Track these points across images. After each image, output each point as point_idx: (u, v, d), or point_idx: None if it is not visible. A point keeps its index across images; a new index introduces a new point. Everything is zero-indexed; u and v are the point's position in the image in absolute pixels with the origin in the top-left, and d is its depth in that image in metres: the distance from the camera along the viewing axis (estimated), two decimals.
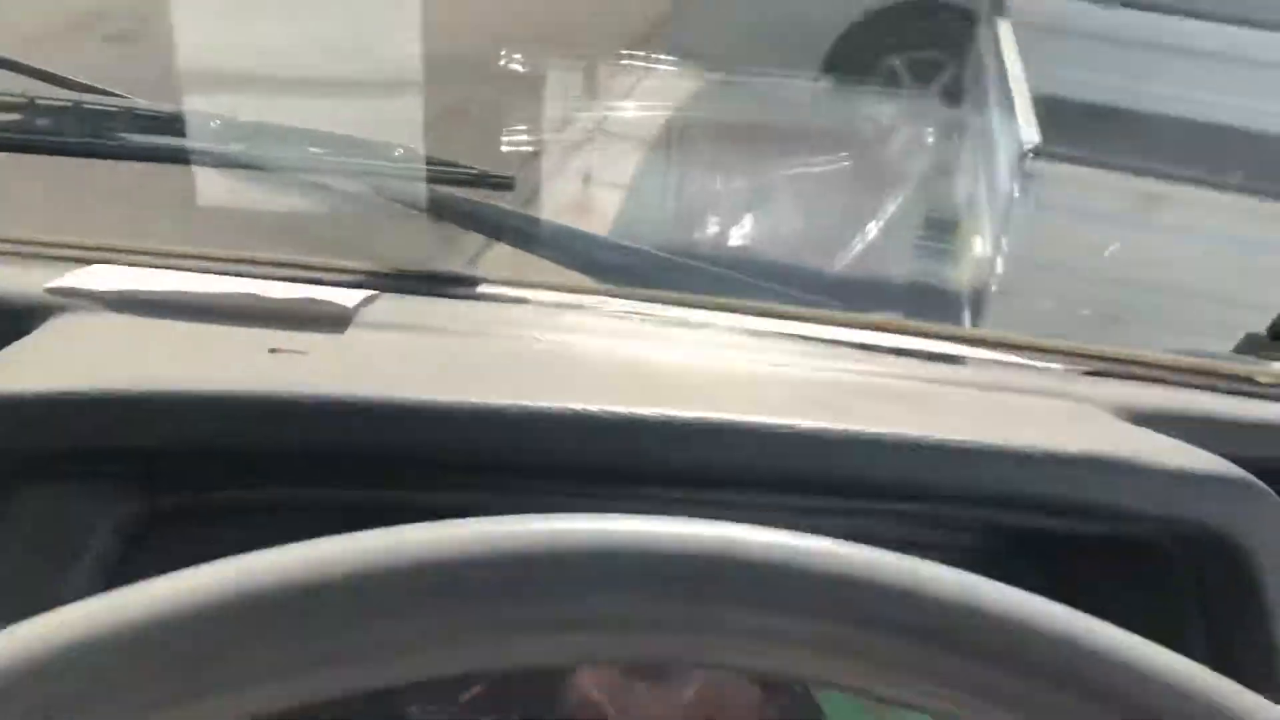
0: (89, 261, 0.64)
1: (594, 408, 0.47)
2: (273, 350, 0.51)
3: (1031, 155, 2.22)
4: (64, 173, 0.75)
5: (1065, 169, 2.33)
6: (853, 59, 3.27)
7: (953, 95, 3.23)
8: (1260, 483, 0.50)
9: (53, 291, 0.58)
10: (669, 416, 0.48)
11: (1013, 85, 2.39)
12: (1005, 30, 2.81)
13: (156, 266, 0.65)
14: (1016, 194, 2.21)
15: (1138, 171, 2.29)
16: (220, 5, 0.83)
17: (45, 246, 0.66)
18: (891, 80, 3.38)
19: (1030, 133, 2.24)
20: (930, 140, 2.64)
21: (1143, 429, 0.57)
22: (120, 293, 0.58)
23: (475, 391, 0.47)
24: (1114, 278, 1.91)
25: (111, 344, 0.51)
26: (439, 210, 0.80)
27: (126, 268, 0.63)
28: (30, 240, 0.66)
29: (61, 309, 0.57)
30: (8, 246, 0.65)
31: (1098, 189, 2.26)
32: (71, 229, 0.70)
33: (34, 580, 0.53)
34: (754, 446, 0.48)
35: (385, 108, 0.82)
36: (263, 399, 0.45)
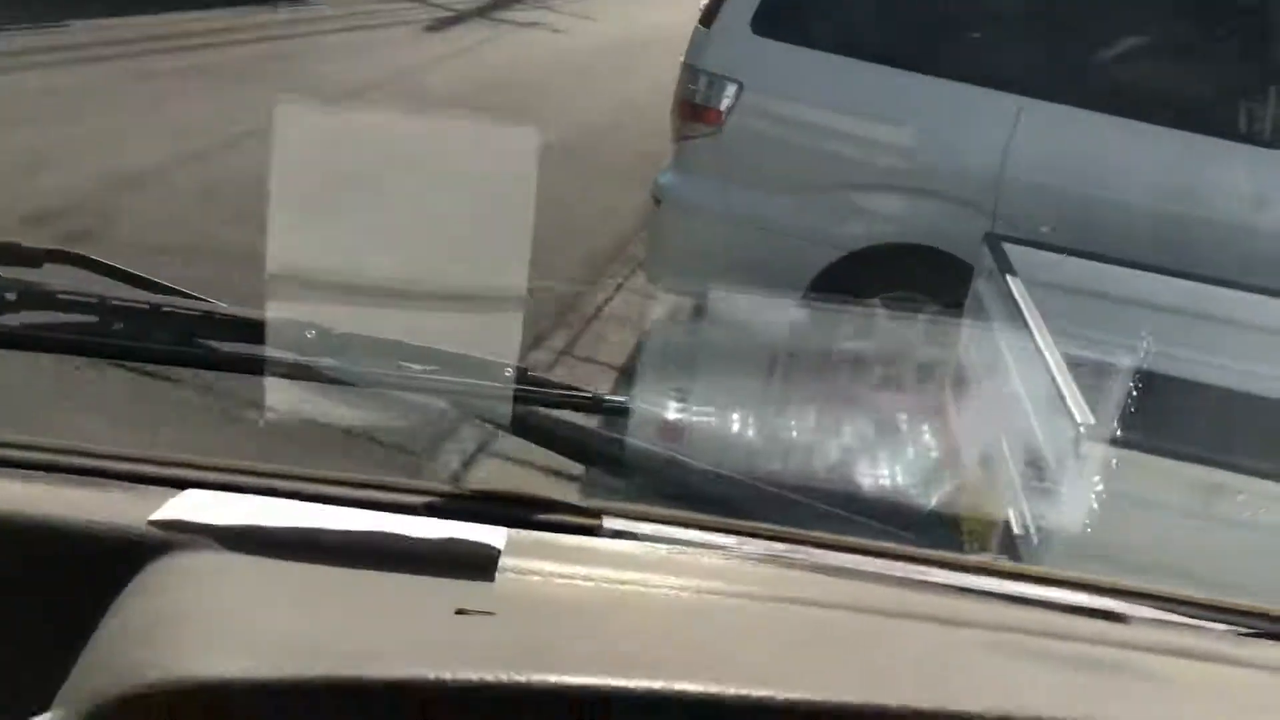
0: (175, 479, 0.57)
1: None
2: (459, 611, 0.43)
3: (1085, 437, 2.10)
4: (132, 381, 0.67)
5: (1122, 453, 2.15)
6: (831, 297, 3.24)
7: (934, 339, 3.24)
8: None
9: (156, 524, 0.50)
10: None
11: (1045, 353, 2.31)
12: (1019, 289, 2.75)
13: (246, 488, 0.57)
14: (1071, 478, 2.10)
15: (1191, 457, 2.13)
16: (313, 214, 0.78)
17: (127, 461, 0.58)
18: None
19: (1084, 412, 2.13)
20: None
21: None
22: (233, 528, 0.50)
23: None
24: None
25: (245, 610, 0.43)
26: (536, 434, 0.74)
27: (224, 493, 0.56)
28: (109, 454, 0.58)
29: (167, 546, 0.49)
30: (88, 462, 0.57)
31: (1152, 473, 2.10)
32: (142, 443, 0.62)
33: None
34: None
35: (485, 318, 0.76)
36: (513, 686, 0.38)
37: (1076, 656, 0.60)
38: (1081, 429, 2.19)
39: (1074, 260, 3.32)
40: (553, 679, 0.43)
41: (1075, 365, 2.49)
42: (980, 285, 3.10)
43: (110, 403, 0.67)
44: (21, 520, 0.48)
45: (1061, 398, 2.37)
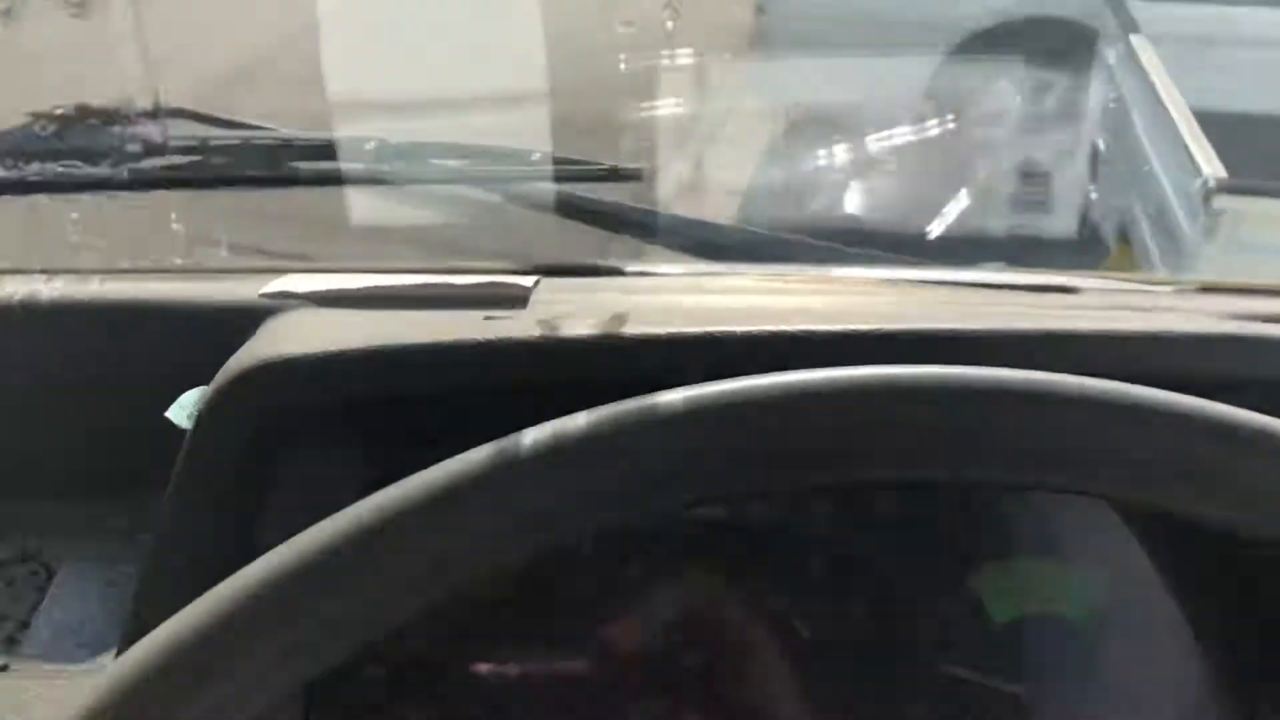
0: (280, 269, 0.72)
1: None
2: (488, 317, 0.58)
3: (1215, 190, 2.10)
4: (236, 204, 0.83)
5: (1251, 203, 2.13)
6: (959, 78, 3.20)
7: (1068, 115, 3.19)
8: None
9: (266, 296, 0.66)
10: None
11: (1173, 110, 2.28)
12: (1144, 46, 2.69)
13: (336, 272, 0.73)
14: (1201, 235, 2.11)
15: None
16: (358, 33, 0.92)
17: (234, 272, 0.74)
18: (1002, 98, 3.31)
19: (1214, 166, 2.11)
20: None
21: (1260, 322, 0.62)
22: (326, 292, 0.66)
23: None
24: None
25: (339, 327, 0.58)
26: (570, 210, 0.87)
27: (320, 274, 0.71)
28: (217, 268, 0.74)
29: (276, 310, 0.64)
30: (210, 266, 0.73)
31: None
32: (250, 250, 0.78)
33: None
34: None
35: (516, 117, 0.90)
36: (524, 342, 0.53)
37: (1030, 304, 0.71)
38: (1210, 182, 2.19)
39: (1200, 7, 3.20)
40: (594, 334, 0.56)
41: (1205, 118, 2.46)
42: (1105, 48, 3.04)
43: (220, 227, 0.83)
44: (151, 306, 0.64)
45: (1189, 152, 2.36)
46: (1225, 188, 2.12)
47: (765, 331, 0.58)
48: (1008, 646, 0.65)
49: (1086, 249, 2.89)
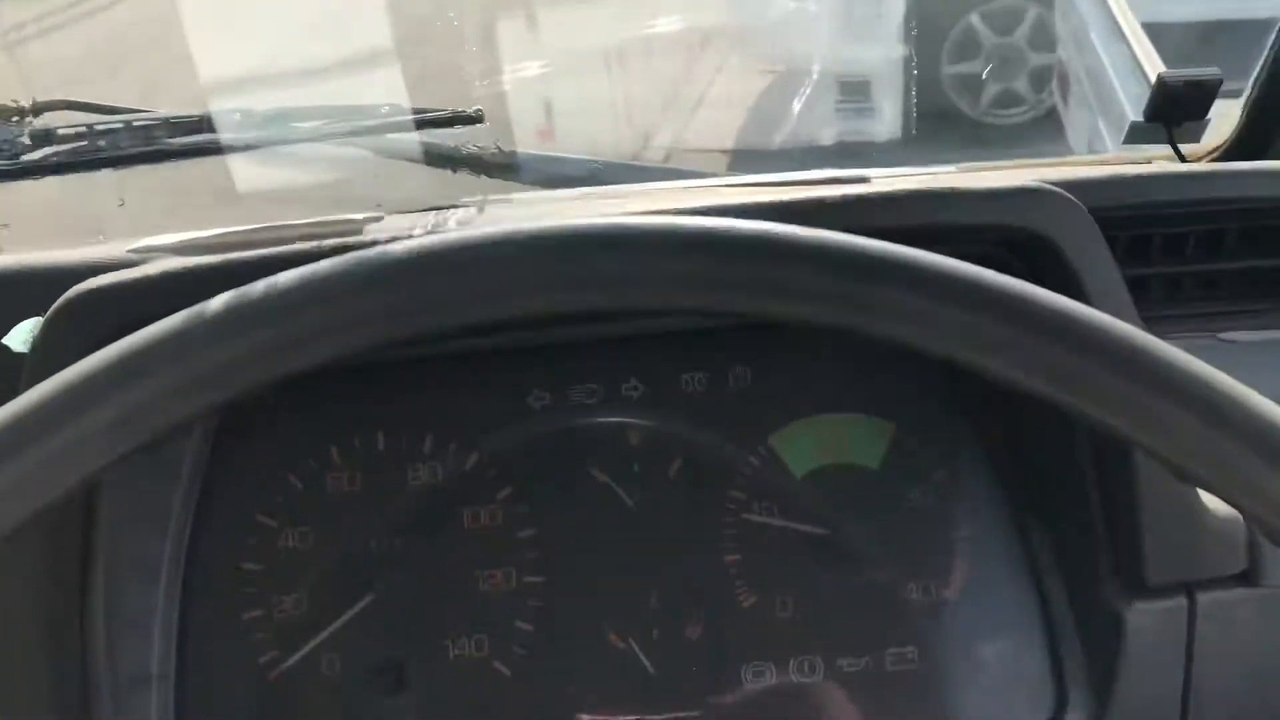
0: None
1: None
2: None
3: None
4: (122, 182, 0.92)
5: None
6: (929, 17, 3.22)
7: (1039, 44, 3.23)
8: (1068, 194, 0.63)
9: (134, 251, 0.75)
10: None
11: (1121, 21, 2.34)
12: None
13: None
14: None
15: None
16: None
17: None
18: (970, 36, 3.35)
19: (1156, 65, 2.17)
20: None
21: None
22: (181, 243, 0.75)
23: None
24: None
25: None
26: (426, 155, 0.96)
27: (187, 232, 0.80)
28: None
29: (142, 262, 0.73)
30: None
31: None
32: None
33: (162, 450, 0.70)
34: None
35: (367, 74, 0.98)
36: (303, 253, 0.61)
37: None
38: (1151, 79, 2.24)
39: None
40: None
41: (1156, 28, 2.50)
42: None
43: (106, 203, 0.92)
44: (36, 271, 0.73)
45: (1135, 58, 2.41)
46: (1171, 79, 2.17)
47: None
48: (809, 495, 0.74)
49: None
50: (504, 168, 0.96)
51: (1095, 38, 2.67)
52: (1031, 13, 3.50)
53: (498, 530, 0.73)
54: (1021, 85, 3.56)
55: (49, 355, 0.60)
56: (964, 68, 3.53)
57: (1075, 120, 3.01)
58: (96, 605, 0.62)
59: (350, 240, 0.67)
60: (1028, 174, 0.80)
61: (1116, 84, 2.59)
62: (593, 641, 0.71)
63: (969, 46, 3.54)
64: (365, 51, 0.96)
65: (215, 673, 0.69)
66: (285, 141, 0.92)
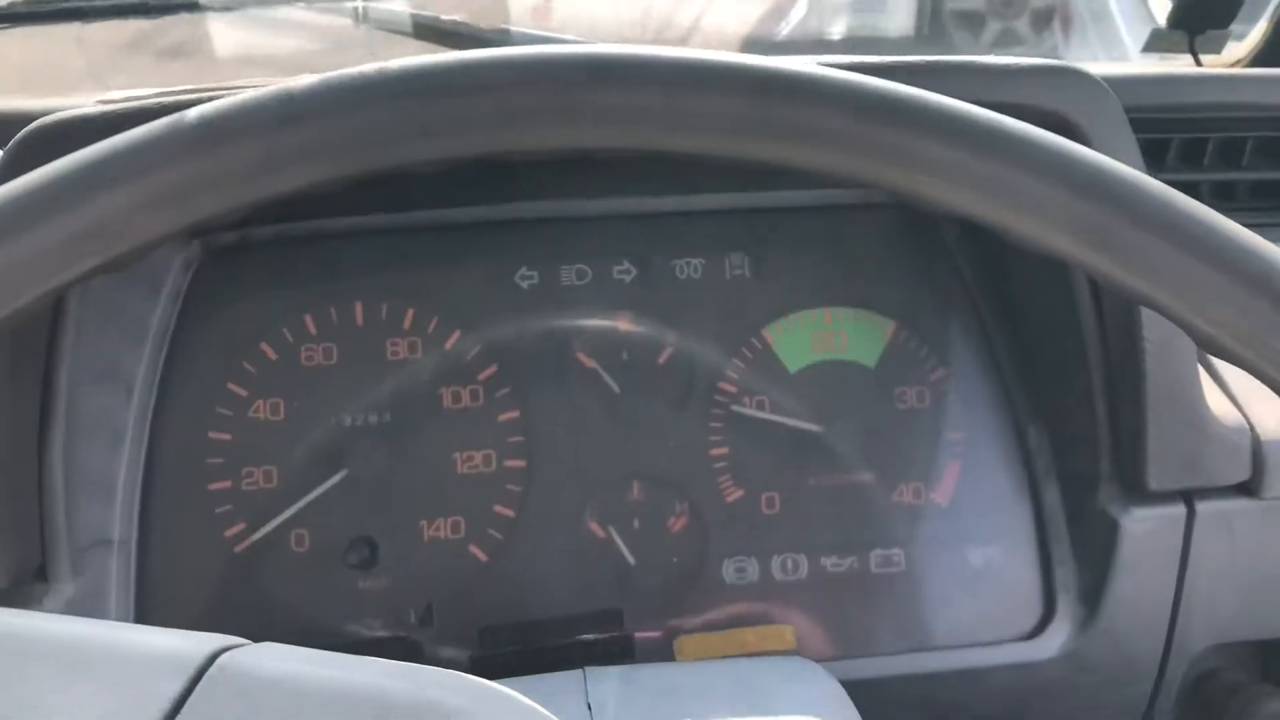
0: None
1: None
2: None
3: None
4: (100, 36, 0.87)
5: None
6: None
7: None
8: (1087, 72, 0.60)
9: (102, 102, 0.70)
10: None
11: None
12: None
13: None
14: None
15: None
16: None
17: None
18: None
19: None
20: None
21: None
22: (155, 94, 0.71)
23: None
24: None
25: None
26: (412, 28, 0.91)
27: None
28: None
29: None
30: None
31: None
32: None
33: (128, 308, 0.66)
34: None
35: None
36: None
37: None
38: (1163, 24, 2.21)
39: None
40: None
41: None
42: None
43: (84, 54, 0.87)
44: (6, 115, 0.69)
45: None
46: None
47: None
48: (802, 391, 0.71)
49: None
50: (496, 45, 0.92)
51: None
52: None
53: (478, 412, 0.70)
54: (1023, 25, 3.50)
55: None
56: (965, 3, 3.47)
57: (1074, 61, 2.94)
58: (54, 462, 0.59)
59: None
60: None
61: (1121, 26, 2.56)
62: (572, 529, 0.69)
63: None
64: None
65: (179, 542, 0.67)
66: (267, 2, 0.87)
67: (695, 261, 0.73)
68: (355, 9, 0.91)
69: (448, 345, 0.70)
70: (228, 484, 0.68)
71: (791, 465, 0.71)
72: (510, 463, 0.70)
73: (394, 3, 0.89)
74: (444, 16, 0.92)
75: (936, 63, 0.60)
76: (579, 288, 0.72)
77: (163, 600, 0.66)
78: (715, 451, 0.71)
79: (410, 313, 0.70)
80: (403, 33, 0.93)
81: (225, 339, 0.69)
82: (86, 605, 0.62)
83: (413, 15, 0.92)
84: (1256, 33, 0.90)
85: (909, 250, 0.74)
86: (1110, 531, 0.65)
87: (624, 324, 0.72)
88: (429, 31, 0.93)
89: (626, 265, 0.72)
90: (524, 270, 0.72)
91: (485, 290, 0.71)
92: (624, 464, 0.70)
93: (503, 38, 0.94)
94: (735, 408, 0.71)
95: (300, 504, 0.68)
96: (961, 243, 0.74)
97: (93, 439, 0.63)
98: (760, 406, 0.71)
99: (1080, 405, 0.67)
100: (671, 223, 0.73)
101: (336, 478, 0.68)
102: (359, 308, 0.70)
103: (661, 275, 0.72)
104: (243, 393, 0.69)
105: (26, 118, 0.70)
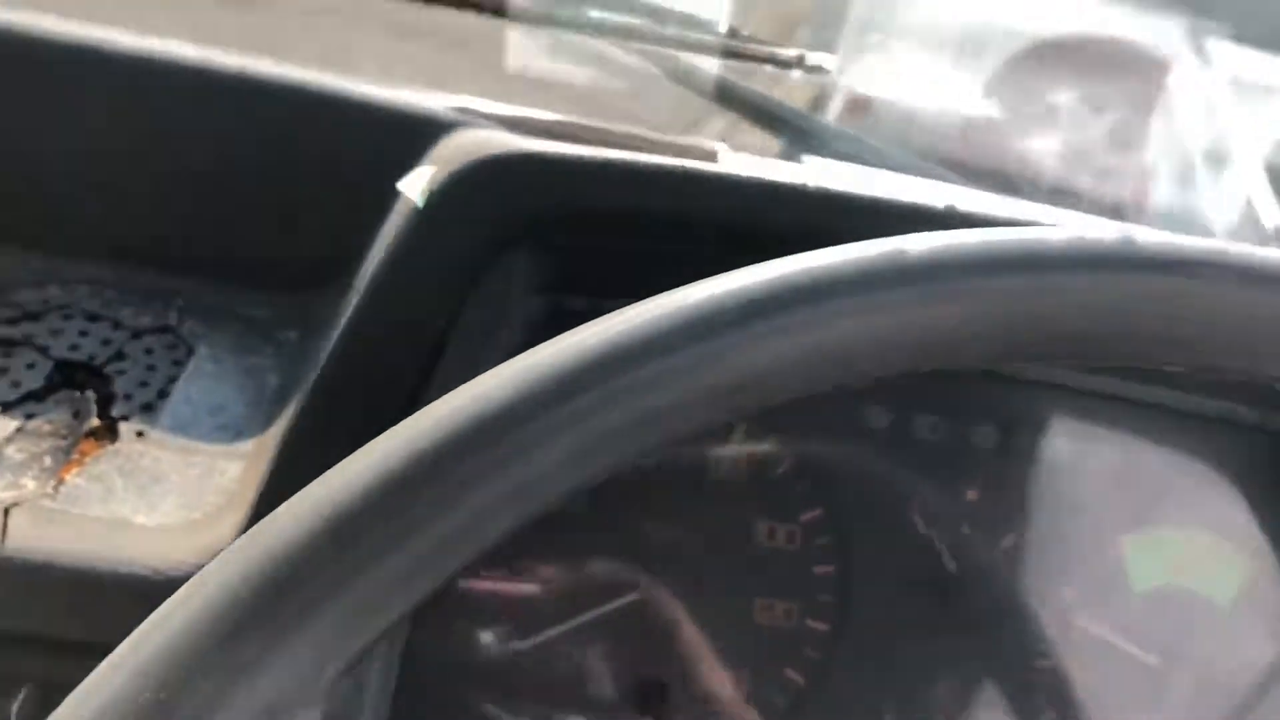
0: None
1: None
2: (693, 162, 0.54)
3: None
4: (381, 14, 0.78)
5: None
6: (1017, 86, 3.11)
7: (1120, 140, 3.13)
8: None
9: (455, 110, 0.61)
10: None
11: (1236, 155, 2.26)
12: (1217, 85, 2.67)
13: None
14: None
15: None
16: None
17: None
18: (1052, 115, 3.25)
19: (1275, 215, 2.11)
20: None
21: None
22: (515, 117, 0.62)
23: None
24: None
25: (552, 146, 0.54)
26: (731, 99, 0.83)
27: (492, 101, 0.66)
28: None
29: (465, 124, 0.60)
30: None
31: None
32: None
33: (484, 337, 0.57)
34: None
35: None
36: (761, 182, 0.49)
37: None
38: (1268, 229, 2.18)
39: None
40: None
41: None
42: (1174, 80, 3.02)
43: (370, 37, 0.78)
44: (328, 97, 0.59)
45: (1249, 199, 2.35)
46: None
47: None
48: (1147, 615, 0.62)
49: None
50: (807, 136, 0.83)
51: (1197, 158, 2.60)
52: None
53: (792, 556, 0.60)
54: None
55: (444, 213, 0.47)
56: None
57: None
58: None
59: (712, 170, 0.54)
60: None
61: (1209, 211, 2.54)
62: (865, 718, 0.59)
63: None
64: None
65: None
66: (583, 28, 0.79)
67: (1064, 442, 0.64)
68: (672, 66, 0.82)
69: (776, 472, 0.61)
70: (502, 571, 0.58)
71: (1121, 697, 0.61)
72: (813, 623, 0.60)
73: (712, 61, 0.81)
74: (760, 90, 0.84)
75: None
76: (931, 442, 0.63)
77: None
78: (1040, 663, 0.61)
79: (742, 429, 0.61)
80: (702, 94, 0.84)
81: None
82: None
83: (725, 80, 0.83)
84: None
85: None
86: None
87: (971, 493, 0.63)
88: (736, 101, 0.85)
89: (990, 429, 0.63)
90: (876, 408, 0.63)
91: (830, 419, 0.62)
92: (939, 659, 0.61)
93: (812, 125, 0.86)
94: (1071, 619, 0.62)
95: (580, 619, 0.58)
96: None
97: None
98: (1099, 622, 0.62)
99: None
100: (1044, 390, 0.64)
101: (629, 597, 0.58)
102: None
103: (1027, 447, 0.63)
104: None
105: (372, 108, 0.60)
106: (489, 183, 0.48)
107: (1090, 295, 0.30)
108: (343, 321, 0.48)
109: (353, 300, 0.48)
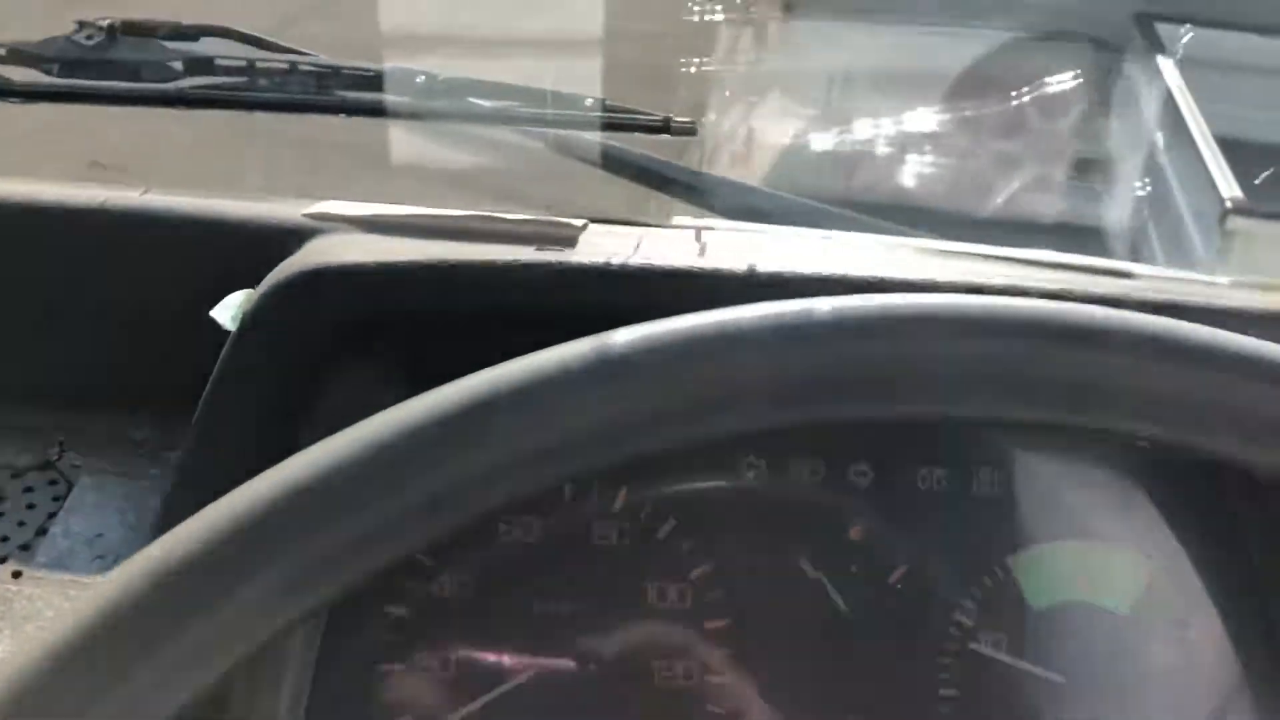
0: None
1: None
2: (539, 248, 0.56)
3: (1230, 211, 2.11)
4: (278, 129, 0.81)
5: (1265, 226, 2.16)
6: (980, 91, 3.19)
7: (1088, 134, 3.18)
8: None
9: (310, 216, 0.64)
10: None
11: (1194, 132, 2.29)
12: (1169, 69, 2.71)
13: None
14: (1214, 256, 2.12)
15: None
16: None
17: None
18: (1020, 117, 3.31)
19: (1232, 188, 2.13)
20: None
21: None
22: (372, 217, 0.64)
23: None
24: None
25: (387, 248, 0.56)
26: (615, 164, 0.85)
27: (361, 203, 0.69)
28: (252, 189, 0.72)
29: (321, 231, 0.62)
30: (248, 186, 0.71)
31: None
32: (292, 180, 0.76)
33: None
34: None
35: (569, 61, 0.88)
36: (563, 266, 0.51)
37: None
38: (1226, 203, 2.19)
39: (1234, 35, 3.19)
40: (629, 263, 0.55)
41: (1231, 144, 2.45)
42: (1129, 68, 3.04)
43: (261, 149, 0.81)
44: (191, 219, 0.62)
45: (1207, 174, 2.36)
46: (1240, 210, 2.12)
47: (808, 274, 0.57)
48: (1045, 633, 0.63)
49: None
50: (699, 192, 0.86)
51: (1159, 139, 2.62)
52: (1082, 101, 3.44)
53: (685, 615, 0.62)
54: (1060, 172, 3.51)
55: (259, 337, 0.49)
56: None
57: (1114, 214, 2.95)
58: None
59: (574, 259, 0.56)
60: None
61: (1177, 191, 2.53)
62: None
63: None
64: (570, 34, 0.86)
65: None
66: (466, 117, 0.82)
67: (940, 472, 0.65)
68: (547, 135, 0.85)
69: (660, 535, 0.62)
70: (402, 666, 0.59)
71: (1030, 714, 0.62)
72: (713, 678, 0.61)
73: (595, 135, 0.83)
74: (638, 150, 0.87)
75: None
76: (810, 487, 0.64)
77: None
78: (944, 692, 0.62)
79: (622, 492, 0.62)
80: (592, 163, 0.87)
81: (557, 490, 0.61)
82: None
83: (607, 148, 0.86)
84: None
85: (1182, 488, 0.66)
86: None
87: (856, 533, 0.64)
88: (622, 167, 0.87)
89: (864, 467, 0.65)
90: (751, 459, 0.64)
91: (706, 479, 0.63)
92: (841, 697, 0.62)
93: (696, 180, 0.88)
94: (971, 644, 0.63)
95: (480, 701, 0.59)
96: (1243, 488, 0.66)
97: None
98: (999, 646, 0.63)
99: None
100: (916, 426, 0.65)
101: (523, 677, 0.59)
102: (568, 484, 0.62)
103: (902, 483, 0.65)
104: (428, 563, 0.60)
105: (229, 226, 0.63)
106: (299, 299, 0.50)
107: (782, 366, 0.31)
108: (180, 450, 0.50)
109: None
